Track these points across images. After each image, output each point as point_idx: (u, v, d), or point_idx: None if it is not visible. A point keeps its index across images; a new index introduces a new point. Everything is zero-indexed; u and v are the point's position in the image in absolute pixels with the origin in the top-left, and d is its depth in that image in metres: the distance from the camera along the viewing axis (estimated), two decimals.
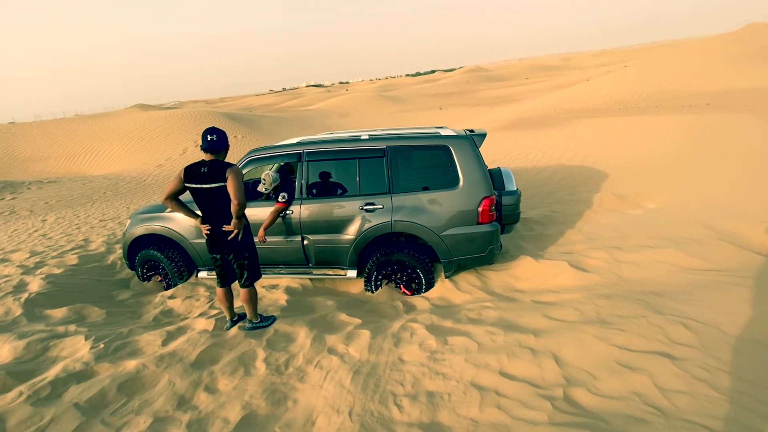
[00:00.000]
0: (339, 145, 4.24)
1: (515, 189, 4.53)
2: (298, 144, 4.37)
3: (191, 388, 2.57)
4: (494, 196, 4.03)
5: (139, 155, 16.30)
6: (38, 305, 3.96)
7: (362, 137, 4.30)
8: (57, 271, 4.79)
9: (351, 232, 4.08)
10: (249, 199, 4.39)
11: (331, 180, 4.32)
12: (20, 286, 4.42)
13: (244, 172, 4.37)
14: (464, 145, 4.05)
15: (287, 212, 4.14)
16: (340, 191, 4.27)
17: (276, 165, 5.36)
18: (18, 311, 3.80)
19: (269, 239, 4.18)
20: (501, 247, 4.52)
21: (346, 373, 2.64)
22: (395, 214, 3.99)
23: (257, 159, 4.39)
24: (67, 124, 21.70)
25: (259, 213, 4.15)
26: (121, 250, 5.47)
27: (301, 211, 4.16)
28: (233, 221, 3.02)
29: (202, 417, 2.34)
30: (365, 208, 4.04)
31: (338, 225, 4.11)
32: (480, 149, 4.18)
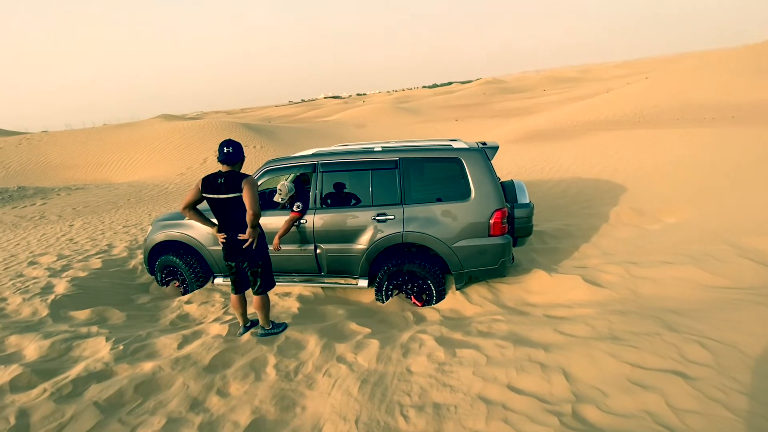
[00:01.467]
0: (352, 157, 4.34)
1: (528, 202, 4.53)
2: (313, 155, 4.48)
3: (204, 391, 2.65)
4: (506, 209, 4.04)
5: (161, 164, 16.88)
6: (63, 306, 4.13)
7: (375, 149, 4.39)
8: (82, 274, 4.99)
9: (363, 241, 4.14)
10: (264, 208, 4.52)
11: (344, 190, 4.41)
12: (47, 288, 4.62)
13: (260, 182, 4.51)
14: (476, 157, 4.08)
15: (301, 221, 4.24)
16: (353, 201, 4.35)
17: (292, 175, 5.51)
18: (44, 312, 3.97)
19: (283, 248, 4.27)
20: (513, 260, 4.50)
21: (354, 381, 2.67)
22: (407, 225, 4.04)
23: (273, 169, 4.52)
24: (96, 134, 22.70)
25: (274, 222, 4.26)
26: (141, 256, 5.66)
27: (314, 220, 4.24)
28: (248, 230, 3.10)
29: (213, 420, 2.40)
30: (377, 218, 4.10)
31: (350, 235, 4.18)
32: (493, 161, 4.20)
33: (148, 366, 2.90)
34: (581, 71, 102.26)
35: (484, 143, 4.52)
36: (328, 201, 4.34)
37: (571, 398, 2.32)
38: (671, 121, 14.45)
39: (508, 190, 4.56)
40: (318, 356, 3.03)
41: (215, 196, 3.12)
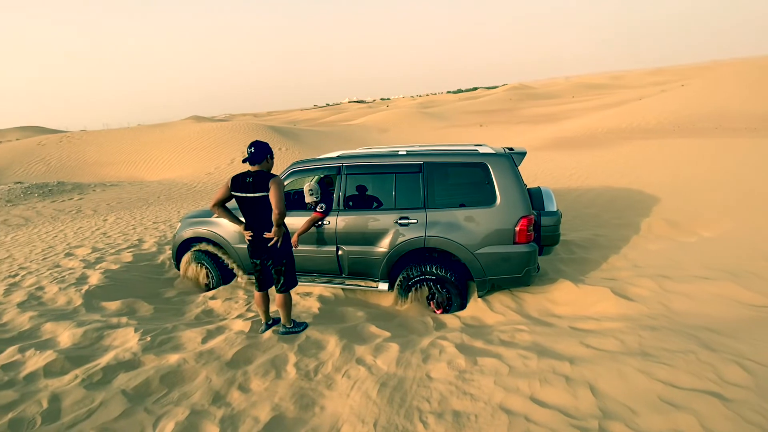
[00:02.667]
0: (377, 160, 4.35)
1: (555, 209, 4.41)
2: (338, 158, 4.52)
3: (226, 386, 2.70)
4: (533, 216, 3.94)
5: (191, 163, 17.48)
6: (96, 297, 4.31)
7: (400, 152, 4.39)
8: (114, 267, 5.21)
9: (384, 245, 4.13)
10: (290, 209, 4.59)
11: (367, 193, 4.42)
12: (82, 279, 4.84)
13: (286, 182, 4.59)
14: (503, 162, 4.02)
15: (324, 222, 4.27)
16: (375, 204, 4.35)
17: (316, 177, 5.58)
18: (79, 301, 4.16)
19: (306, 248, 4.32)
20: (539, 269, 4.39)
21: (373, 384, 2.66)
22: (429, 230, 4.01)
23: (300, 171, 4.58)
24: (131, 133, 23.78)
25: (298, 223, 4.32)
26: (170, 251, 5.85)
27: (337, 222, 4.27)
28: (273, 229, 3.19)
29: (234, 414, 2.44)
30: (399, 222, 4.09)
31: (372, 237, 4.18)
32: (519, 168, 4.12)
33: (173, 358, 2.98)
34: (612, 78, 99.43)
35: (511, 149, 4.44)
36: (351, 203, 4.37)
37: (598, 414, 2.23)
38: (708, 130, 13.83)
39: (534, 197, 4.46)
40: (338, 357, 3.04)
41: (243, 194, 3.23)
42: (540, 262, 5.06)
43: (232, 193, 3.27)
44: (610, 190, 8.13)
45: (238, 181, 3.24)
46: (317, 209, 4.24)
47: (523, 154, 4.26)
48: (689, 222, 5.86)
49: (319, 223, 4.27)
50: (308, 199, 4.33)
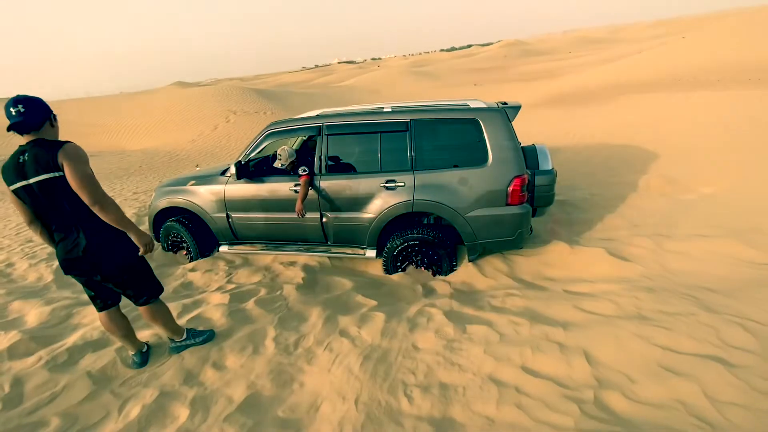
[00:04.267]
0: (360, 118, 4.01)
1: (551, 168, 4.16)
2: (318, 117, 4.18)
3: (199, 364, 2.54)
4: (526, 176, 3.70)
5: (173, 131, 16.77)
6: None
7: (385, 110, 4.05)
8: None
9: (370, 210, 3.90)
10: (271, 174, 4.27)
11: (351, 155, 4.12)
12: (54, 254, 4.59)
13: (263, 146, 4.25)
14: (495, 118, 3.71)
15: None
16: (360, 167, 4.07)
17: (299, 140, 5.23)
18: (49, 278, 3.94)
19: (288, 216, 4.08)
20: (532, 230, 4.20)
21: (356, 357, 2.51)
22: (417, 193, 3.76)
23: (276, 132, 4.24)
24: (111, 101, 22.68)
25: (282, 189, 4.06)
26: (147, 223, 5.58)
27: (320, 186, 4.01)
28: (133, 236, 2.13)
29: (206, 394, 2.29)
30: (386, 185, 3.83)
31: (357, 203, 3.93)
32: (513, 125, 3.83)
33: (145, 335, 2.81)
34: (611, 31, 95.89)
35: (505, 103, 4.11)
36: (334, 166, 4.07)
37: (593, 383, 2.11)
38: (710, 83, 13.36)
39: (529, 155, 4.19)
40: (320, 329, 2.88)
41: (20, 184, 2.02)
42: (533, 223, 4.87)
43: (10, 189, 2.07)
44: (607, 147, 7.85)
45: (11, 169, 2.04)
46: (300, 173, 3.97)
47: (517, 108, 3.94)
48: (688, 179, 5.65)
49: (297, 187, 4.01)
50: (283, 161, 4.04)
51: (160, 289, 2.55)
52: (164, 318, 2.55)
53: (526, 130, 10.10)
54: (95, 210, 1.99)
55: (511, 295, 3.29)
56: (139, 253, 2.18)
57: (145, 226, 5.63)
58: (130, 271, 2.34)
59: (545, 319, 2.80)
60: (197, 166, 11.53)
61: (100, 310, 2.42)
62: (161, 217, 4.74)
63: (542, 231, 4.71)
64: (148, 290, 2.45)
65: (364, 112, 4.09)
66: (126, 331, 2.50)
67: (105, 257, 2.21)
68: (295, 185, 4.01)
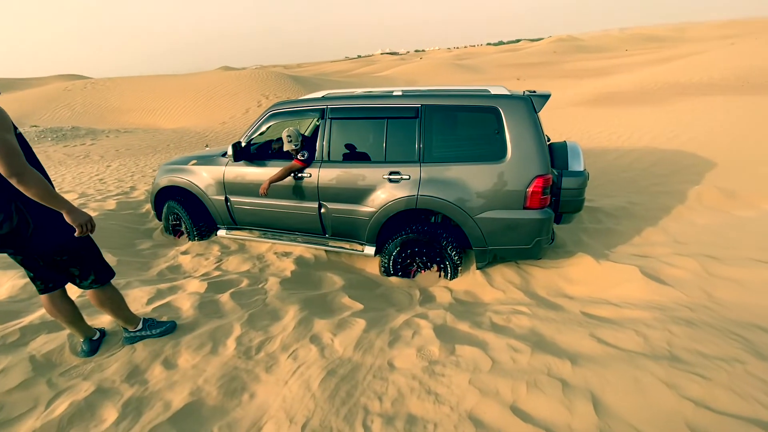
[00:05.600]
0: (366, 101, 3.64)
1: (582, 169, 3.61)
2: (323, 99, 3.85)
3: (149, 359, 2.30)
4: (550, 176, 3.20)
5: (206, 112, 17.11)
6: None
7: (394, 93, 3.65)
8: (92, 213, 4.92)
9: (371, 204, 3.54)
10: (274, 158, 4.01)
11: (355, 142, 3.77)
12: None
13: (264, 128, 3.98)
14: (518, 107, 3.23)
15: (305, 174, 3.71)
16: (363, 156, 3.71)
17: (311, 125, 4.95)
18: None
19: (285, 203, 3.81)
20: (553, 239, 3.69)
21: (319, 371, 2.17)
22: (422, 188, 3.36)
23: (279, 113, 3.96)
24: (153, 81, 23.55)
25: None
26: None
27: (320, 175, 3.69)
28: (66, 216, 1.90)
29: (145, 395, 2.04)
30: (389, 177, 3.45)
31: (358, 194, 3.59)
32: (551, 126, 3.37)
33: (106, 320, 2.62)
34: (674, 30, 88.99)
35: (533, 92, 3.59)
36: (336, 153, 3.74)
37: None
38: None
39: (557, 153, 3.66)
40: (290, 332, 2.57)
41: None
42: (558, 231, 4.34)
43: None
44: (656, 152, 7.01)
45: None
46: (298, 157, 3.67)
47: (545, 97, 3.41)
48: (749, 193, 4.85)
49: (299, 174, 3.71)
50: (287, 146, 3.76)
51: (109, 274, 2.29)
52: (114, 305, 2.31)
53: (566, 129, 9.31)
54: (14, 183, 1.74)
55: (518, 313, 2.84)
56: (75, 234, 1.94)
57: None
58: (69, 252, 2.10)
59: (552, 347, 2.34)
60: (207, 146, 11.62)
61: (41, 292, 2.20)
62: (163, 196, 4.62)
63: (567, 241, 4.17)
64: (92, 274, 2.21)
65: (372, 95, 3.72)
66: (71, 317, 2.27)
67: (37, 236, 1.98)
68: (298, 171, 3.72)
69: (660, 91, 13.63)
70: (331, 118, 3.71)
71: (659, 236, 4.06)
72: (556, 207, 3.46)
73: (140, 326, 2.46)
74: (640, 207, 4.91)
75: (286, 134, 3.74)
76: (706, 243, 3.66)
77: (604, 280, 3.25)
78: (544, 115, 12.02)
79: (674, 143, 7.30)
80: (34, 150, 2.01)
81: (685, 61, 20.11)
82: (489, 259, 3.45)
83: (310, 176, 3.71)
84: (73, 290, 2.62)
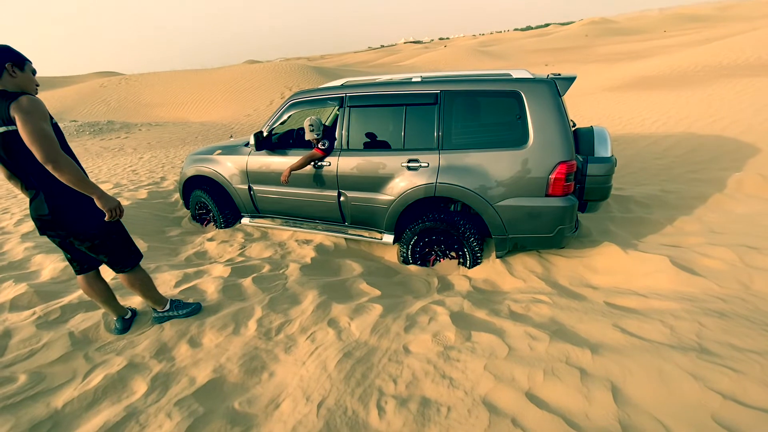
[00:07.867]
0: (385, 89, 3.62)
1: (609, 155, 3.46)
2: (342, 87, 3.86)
3: (176, 337, 2.42)
4: (574, 162, 3.09)
5: (232, 105, 17.51)
6: None
7: (413, 80, 3.61)
8: (125, 203, 5.18)
9: (390, 191, 3.54)
10: (295, 147, 4.08)
11: (373, 130, 3.77)
12: None
13: (285, 117, 4.04)
14: (541, 91, 3.12)
15: (324, 163, 3.75)
16: (382, 144, 3.71)
17: (333, 113, 4.97)
18: None
19: (306, 191, 3.88)
20: (577, 228, 3.58)
21: (336, 353, 2.22)
22: (441, 176, 3.32)
23: (300, 102, 4.00)
24: (183, 75, 24.32)
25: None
26: None
27: (339, 163, 3.72)
28: (98, 201, 1.99)
29: (172, 371, 2.15)
30: (408, 165, 3.44)
31: (376, 182, 3.60)
32: (579, 111, 3.29)
33: (135, 302, 2.76)
34: (719, 8, 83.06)
35: (558, 74, 3.46)
36: (355, 141, 3.75)
37: (615, 428, 1.62)
38: None
39: (583, 138, 3.53)
40: (309, 315, 2.63)
41: None
42: (584, 220, 4.21)
43: None
44: (693, 138, 6.63)
45: None
46: (318, 146, 3.72)
47: (570, 80, 3.28)
48: None
49: (319, 163, 3.76)
50: (308, 135, 3.80)
51: (138, 257, 2.41)
52: (143, 287, 2.43)
53: (597, 115, 8.94)
54: (49, 169, 1.86)
55: (538, 302, 2.78)
56: (105, 219, 2.05)
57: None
58: (101, 236, 2.21)
59: (572, 336, 2.29)
60: (231, 136, 11.94)
61: (77, 273, 2.35)
62: (190, 185, 4.79)
63: (593, 230, 4.03)
64: (123, 258, 2.33)
65: (390, 83, 3.69)
66: (105, 297, 2.41)
67: (71, 220, 2.10)
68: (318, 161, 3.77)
69: (700, 74, 12.82)
70: (350, 107, 3.71)
71: (693, 226, 3.87)
72: (580, 195, 3.35)
73: (168, 307, 2.58)
74: (673, 195, 4.68)
75: (308, 123, 3.78)
76: (744, 233, 3.46)
77: (631, 270, 3.13)
78: (571, 101, 11.55)
79: (715, 128, 6.88)
80: (75, 143, 2.15)
81: (730, 41, 18.76)
82: (509, 247, 3.39)
83: (330, 165, 3.75)
84: (107, 272, 2.78)
